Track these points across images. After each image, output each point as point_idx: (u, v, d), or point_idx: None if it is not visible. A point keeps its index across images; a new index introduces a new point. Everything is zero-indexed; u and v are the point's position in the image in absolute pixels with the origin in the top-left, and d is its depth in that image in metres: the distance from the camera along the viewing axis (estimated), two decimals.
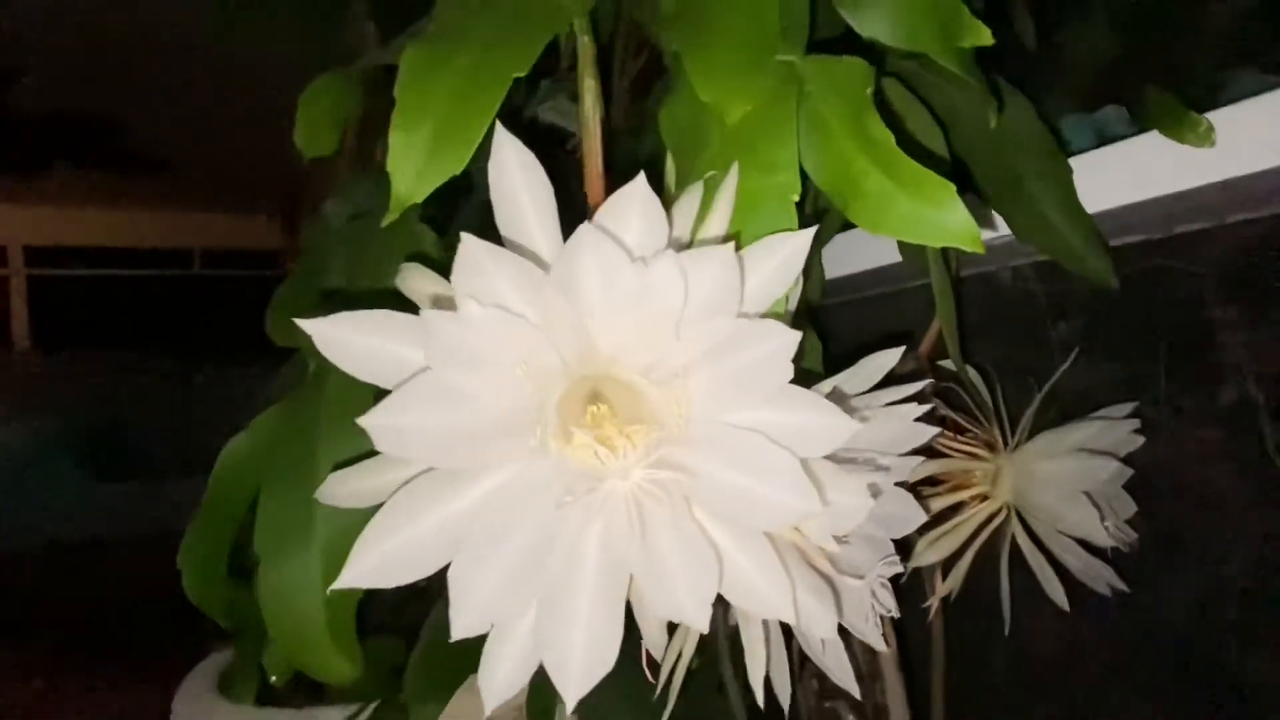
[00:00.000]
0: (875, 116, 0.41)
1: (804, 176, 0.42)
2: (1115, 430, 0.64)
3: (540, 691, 0.62)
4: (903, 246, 0.67)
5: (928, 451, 0.56)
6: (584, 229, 0.34)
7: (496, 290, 0.35)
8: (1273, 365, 0.62)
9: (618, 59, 0.78)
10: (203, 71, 2.75)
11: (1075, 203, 0.59)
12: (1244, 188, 0.57)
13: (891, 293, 0.87)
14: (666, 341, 0.36)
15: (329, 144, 0.70)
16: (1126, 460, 0.63)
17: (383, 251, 0.59)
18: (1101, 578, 0.66)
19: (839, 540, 0.42)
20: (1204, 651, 0.66)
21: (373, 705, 0.71)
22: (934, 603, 0.69)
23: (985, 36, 0.44)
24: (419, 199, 0.42)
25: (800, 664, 0.69)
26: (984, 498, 0.69)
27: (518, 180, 0.38)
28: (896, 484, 0.47)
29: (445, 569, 0.36)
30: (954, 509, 0.68)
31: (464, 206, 0.70)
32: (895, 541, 0.48)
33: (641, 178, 0.35)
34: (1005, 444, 0.69)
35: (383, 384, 0.36)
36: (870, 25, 0.45)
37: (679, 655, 0.48)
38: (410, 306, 0.40)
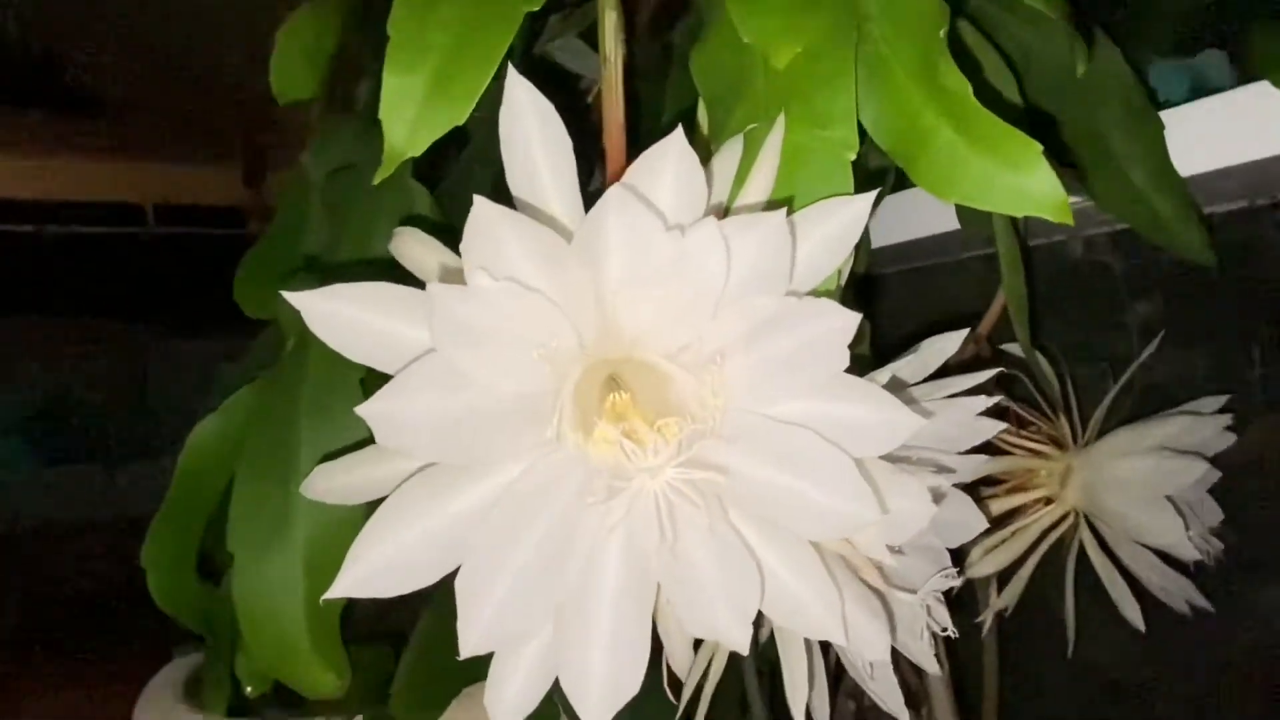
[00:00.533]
0: (950, 62, 0.40)
1: (861, 132, 0.41)
2: (1203, 427, 0.64)
3: (543, 705, 0.62)
4: (963, 212, 0.66)
5: (986, 447, 0.56)
6: (613, 191, 0.33)
7: (510, 260, 0.34)
8: None
9: None
10: None
11: (1166, 164, 0.58)
12: None
13: (942, 264, 0.86)
14: (701, 321, 0.36)
15: (308, 87, 0.69)
16: (1214, 461, 0.63)
17: (371, 212, 0.59)
18: (1182, 594, 0.66)
19: (892, 551, 0.41)
20: None
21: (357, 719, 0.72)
22: (988, 618, 0.69)
23: None
24: (416, 152, 0.41)
25: (835, 680, 0.69)
26: (1048, 501, 0.68)
27: (533, 132, 0.37)
28: (954, 485, 0.47)
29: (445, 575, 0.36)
30: (1013, 513, 0.68)
31: (453, 160, 0.69)
32: (950, 550, 0.47)
33: (679, 132, 0.34)
34: (1075, 440, 0.68)
35: (379, 366, 0.36)
36: None
37: (705, 675, 0.48)
38: (404, 276, 0.40)
